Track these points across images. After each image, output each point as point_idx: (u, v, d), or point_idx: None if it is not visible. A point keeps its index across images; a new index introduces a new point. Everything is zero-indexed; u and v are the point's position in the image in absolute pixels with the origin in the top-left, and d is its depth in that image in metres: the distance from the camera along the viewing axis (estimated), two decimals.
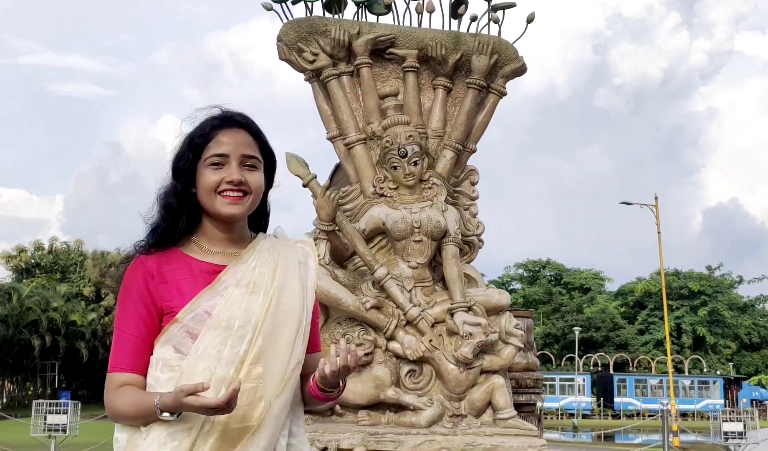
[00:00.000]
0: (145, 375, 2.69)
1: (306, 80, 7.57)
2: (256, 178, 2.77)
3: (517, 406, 7.85)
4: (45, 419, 15.60)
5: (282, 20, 7.45)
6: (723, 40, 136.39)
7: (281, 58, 7.48)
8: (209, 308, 2.65)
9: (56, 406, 15.83)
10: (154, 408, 2.54)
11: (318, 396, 2.78)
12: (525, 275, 80.00)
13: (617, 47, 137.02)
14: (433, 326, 6.80)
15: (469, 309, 6.74)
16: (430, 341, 6.75)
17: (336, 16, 7.48)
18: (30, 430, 16.06)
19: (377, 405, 6.79)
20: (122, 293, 2.73)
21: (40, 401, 16.19)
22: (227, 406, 2.47)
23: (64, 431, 15.56)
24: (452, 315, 6.71)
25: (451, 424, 6.70)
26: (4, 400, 52.89)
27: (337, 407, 6.75)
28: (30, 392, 50.43)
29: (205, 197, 2.73)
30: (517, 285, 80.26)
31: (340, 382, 2.76)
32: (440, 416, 6.71)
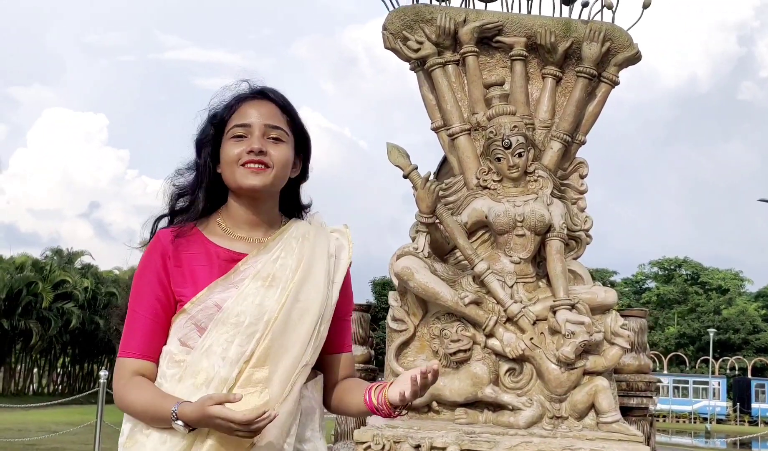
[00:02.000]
0: (157, 363, 2.53)
1: (411, 69, 7.44)
2: (281, 151, 2.58)
3: (628, 410, 7.55)
4: None
5: (388, 8, 7.34)
6: None
7: (386, 47, 7.36)
8: (220, 300, 2.48)
9: None
10: (169, 414, 2.37)
11: (377, 412, 2.53)
12: (660, 273, 77.95)
13: (764, 38, 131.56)
14: (534, 323, 6.55)
15: (573, 307, 6.47)
16: (531, 339, 6.51)
17: (442, 4, 7.32)
18: None
19: (475, 404, 6.60)
20: (139, 270, 2.57)
21: None
22: (253, 429, 2.29)
23: None
24: (554, 313, 6.45)
25: (550, 426, 6.45)
26: None
27: (434, 403, 6.60)
28: None
29: (227, 171, 2.56)
30: (651, 284, 78.31)
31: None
32: (540, 417, 6.46)
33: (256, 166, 2.54)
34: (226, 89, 2.67)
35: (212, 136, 2.61)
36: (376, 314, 27.33)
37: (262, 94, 2.64)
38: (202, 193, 2.62)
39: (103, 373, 13.65)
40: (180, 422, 2.35)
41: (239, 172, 2.54)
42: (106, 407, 12.89)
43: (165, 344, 2.53)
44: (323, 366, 2.70)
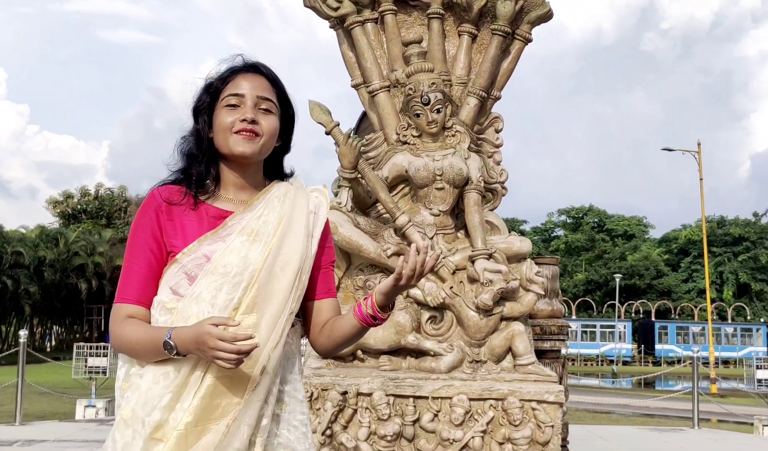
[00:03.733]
0: (150, 309, 2.71)
1: (330, 27, 7.57)
2: (270, 121, 2.79)
3: (542, 353, 7.90)
4: (86, 361, 15.98)
5: None
6: None
7: (306, 6, 7.48)
8: (209, 252, 2.68)
9: (97, 348, 16.20)
10: (160, 339, 2.54)
11: (368, 321, 2.73)
12: (568, 221, 79.63)
13: None
14: (454, 273, 6.84)
15: (490, 256, 6.77)
16: (451, 287, 6.79)
17: None
18: (72, 372, 16.47)
19: (398, 351, 6.86)
20: (134, 225, 2.77)
21: (81, 344, 16.56)
22: (236, 351, 2.44)
23: (104, 373, 15.94)
24: (473, 262, 6.74)
25: (470, 370, 6.76)
26: (53, 343, 54.12)
27: (359, 352, 6.84)
28: (78, 336, 51.50)
29: (220, 137, 2.76)
30: (560, 232, 79.99)
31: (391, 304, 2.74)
32: (460, 362, 6.77)
33: (248, 134, 2.74)
34: (222, 62, 2.86)
35: (207, 104, 2.81)
36: None
37: (255, 68, 2.84)
38: (205, 161, 2.81)
39: (23, 333, 13.54)
40: (172, 342, 2.52)
41: (232, 139, 2.74)
42: (27, 367, 12.77)
43: (156, 293, 2.73)
44: (312, 312, 2.91)
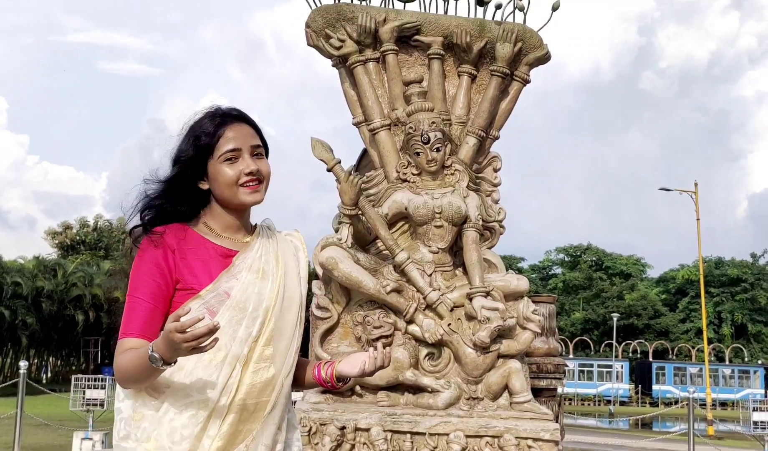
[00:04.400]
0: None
1: (333, 66, 7.69)
2: (266, 165, 3.01)
3: (538, 391, 7.95)
4: (84, 393, 15.97)
5: (310, 6, 7.57)
6: None
7: (309, 44, 7.60)
8: (228, 289, 2.84)
9: (95, 381, 16.20)
10: (148, 355, 2.59)
11: (323, 385, 3.07)
12: (566, 259, 79.64)
13: (664, 29, 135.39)
14: (452, 310, 6.91)
15: (488, 294, 6.84)
16: (449, 324, 6.86)
17: (363, 3, 7.58)
18: (69, 404, 16.46)
19: (396, 387, 6.92)
20: (138, 262, 2.87)
21: (79, 375, 16.55)
22: (194, 333, 2.48)
23: (102, 405, 15.92)
24: (471, 300, 6.81)
25: (467, 407, 6.81)
26: (49, 374, 53.89)
27: (357, 387, 6.90)
28: (74, 368, 51.32)
29: (226, 191, 2.93)
30: (557, 269, 79.98)
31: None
32: (457, 399, 6.82)
33: (254, 184, 2.95)
34: (198, 114, 3.03)
35: (194, 156, 2.96)
36: None
37: (240, 118, 3.02)
38: (188, 204, 3.00)
39: (23, 364, 13.55)
40: (156, 354, 2.58)
41: (241, 192, 2.93)
42: (27, 398, 12.77)
43: (161, 325, 2.81)
44: None
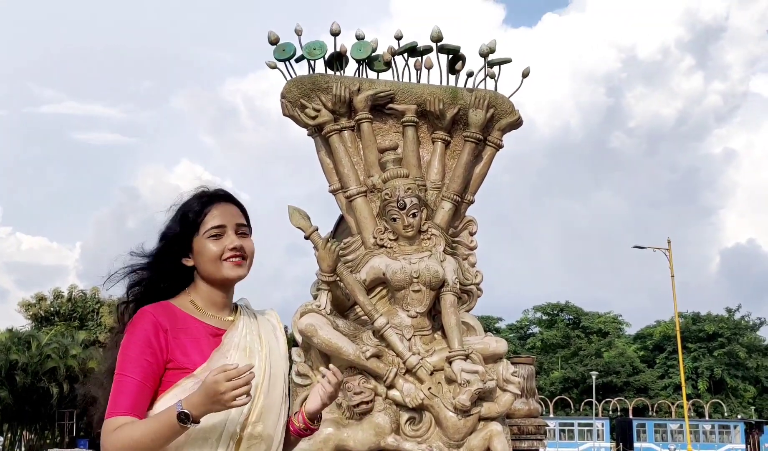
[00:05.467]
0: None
1: (309, 135, 7.80)
2: (250, 244, 3.10)
3: None
4: None
5: (285, 78, 7.70)
6: (738, 81, 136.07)
7: (285, 114, 7.72)
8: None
9: None
10: (175, 416, 2.66)
11: (301, 434, 3.14)
12: (543, 318, 79.69)
13: (631, 90, 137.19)
14: (432, 373, 6.95)
15: (467, 357, 6.90)
16: (429, 388, 6.90)
17: (337, 73, 7.72)
18: None
19: None
20: (128, 339, 2.88)
21: (53, 450, 16.31)
22: (244, 383, 2.66)
23: None
24: (450, 363, 6.86)
25: None
26: (23, 449, 52.94)
27: None
28: (48, 441, 50.46)
29: (210, 266, 3.01)
30: (535, 329, 79.98)
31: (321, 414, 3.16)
32: None
33: (237, 259, 3.03)
34: (186, 195, 3.13)
35: (180, 233, 3.05)
36: None
37: (226, 197, 3.13)
38: (170, 278, 3.07)
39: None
40: (186, 411, 2.65)
41: (225, 267, 3.01)
42: None
43: (151, 405, 2.84)
44: None
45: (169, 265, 3.04)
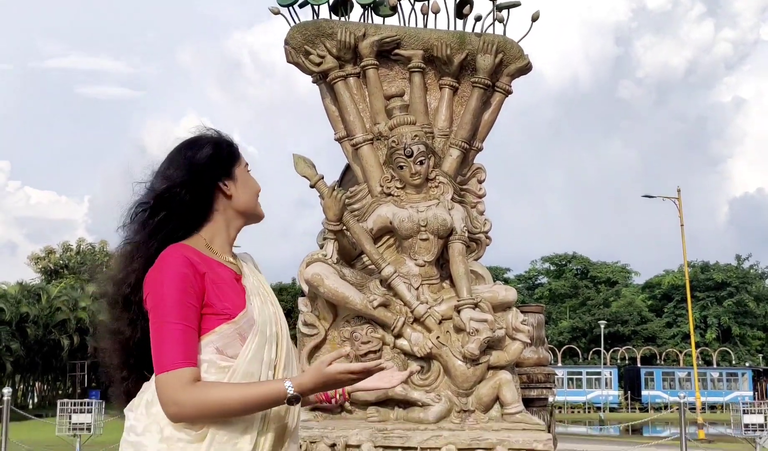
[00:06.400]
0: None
1: (313, 82, 7.69)
2: None
3: (529, 401, 7.94)
4: (70, 418, 15.80)
5: (289, 24, 7.57)
6: (748, 29, 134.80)
7: (288, 61, 7.59)
8: (253, 313, 2.75)
9: (81, 405, 16.01)
10: (283, 392, 2.59)
11: (329, 402, 3.13)
12: (551, 269, 79.78)
13: (640, 39, 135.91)
14: (440, 322, 6.90)
15: (476, 306, 6.83)
16: (438, 337, 6.85)
17: (342, 19, 7.59)
18: (55, 429, 16.28)
19: (386, 402, 6.90)
20: (170, 284, 2.65)
21: (65, 400, 16.40)
22: (368, 371, 2.68)
23: (89, 429, 15.75)
24: (459, 312, 6.80)
25: (458, 419, 6.79)
26: (36, 400, 53.52)
27: (347, 404, 6.86)
28: (60, 392, 50.95)
29: (252, 199, 2.91)
30: (543, 279, 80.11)
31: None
32: (448, 412, 6.80)
33: None
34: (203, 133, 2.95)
35: (220, 160, 2.88)
36: None
37: None
38: (197, 209, 2.85)
39: (7, 391, 13.42)
40: (297, 394, 2.60)
41: (259, 206, 2.96)
42: (12, 425, 12.64)
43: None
44: None
45: (205, 189, 2.82)
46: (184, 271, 2.66)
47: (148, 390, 2.72)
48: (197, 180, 2.80)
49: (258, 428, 2.67)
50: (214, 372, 2.65)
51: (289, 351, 2.84)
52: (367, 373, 2.67)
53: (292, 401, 2.60)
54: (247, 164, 2.94)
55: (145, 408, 2.70)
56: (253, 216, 2.94)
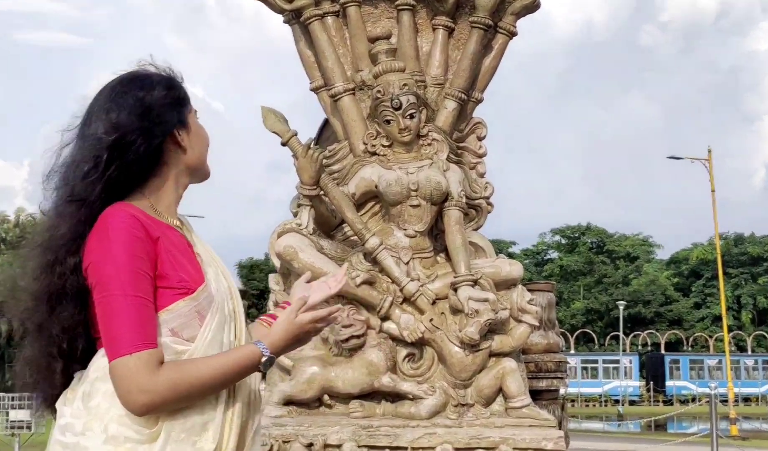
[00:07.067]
0: None
1: (285, 22, 7.60)
2: None
3: (537, 392, 7.90)
4: (7, 415, 15.75)
5: None
6: None
7: None
8: (211, 287, 2.69)
9: (21, 400, 15.90)
10: (258, 356, 2.63)
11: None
12: (563, 242, 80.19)
13: None
14: (434, 303, 6.85)
15: (476, 283, 6.78)
16: (431, 320, 6.80)
17: None
18: None
19: (371, 395, 6.85)
20: (122, 248, 2.54)
21: (2, 394, 16.36)
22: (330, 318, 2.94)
23: (29, 428, 15.70)
24: (456, 290, 6.74)
25: (455, 415, 6.76)
26: None
27: (325, 397, 6.82)
28: None
29: (204, 152, 2.87)
30: (554, 254, 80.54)
31: None
32: (443, 406, 6.77)
33: None
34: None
35: (178, 99, 2.82)
36: (249, 301, 27.36)
37: None
38: (148, 161, 2.74)
39: None
40: (270, 355, 2.66)
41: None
42: None
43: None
44: None
45: (157, 139, 2.70)
46: (136, 233, 2.56)
47: (85, 380, 2.62)
48: (152, 127, 2.68)
49: (220, 424, 2.61)
50: (167, 358, 2.55)
51: (246, 331, 2.79)
52: (328, 316, 2.90)
53: (267, 364, 2.63)
54: (196, 111, 2.87)
55: (81, 402, 2.61)
56: (201, 173, 2.89)
